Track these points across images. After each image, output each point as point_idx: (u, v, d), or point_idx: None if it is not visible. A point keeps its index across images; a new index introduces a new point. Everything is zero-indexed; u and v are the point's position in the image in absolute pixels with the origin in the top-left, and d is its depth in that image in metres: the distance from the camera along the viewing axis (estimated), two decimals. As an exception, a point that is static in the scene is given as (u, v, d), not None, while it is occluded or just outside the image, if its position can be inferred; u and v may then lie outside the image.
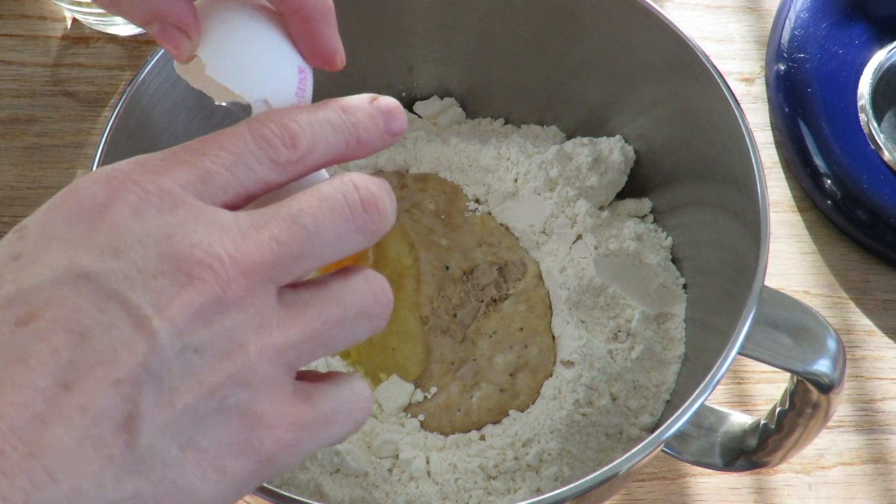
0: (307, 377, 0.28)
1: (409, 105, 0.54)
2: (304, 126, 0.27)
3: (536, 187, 0.49)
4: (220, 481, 0.24)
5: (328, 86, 0.35)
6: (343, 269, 0.28)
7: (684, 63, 0.44)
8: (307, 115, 0.28)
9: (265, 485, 0.34)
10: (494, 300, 0.47)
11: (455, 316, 0.47)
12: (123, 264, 0.24)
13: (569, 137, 0.52)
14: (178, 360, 0.24)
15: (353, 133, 0.28)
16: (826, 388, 0.38)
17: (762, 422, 0.43)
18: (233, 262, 0.25)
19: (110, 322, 0.23)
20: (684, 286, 0.48)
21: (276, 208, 0.26)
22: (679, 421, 0.35)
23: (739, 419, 0.45)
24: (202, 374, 0.24)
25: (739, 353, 0.36)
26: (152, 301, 0.23)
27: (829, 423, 0.48)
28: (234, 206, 0.26)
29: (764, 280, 0.38)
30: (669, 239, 0.49)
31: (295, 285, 0.27)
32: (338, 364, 0.45)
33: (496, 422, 0.44)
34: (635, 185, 0.51)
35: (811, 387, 0.38)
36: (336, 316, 0.27)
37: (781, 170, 0.59)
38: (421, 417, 0.44)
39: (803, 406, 0.40)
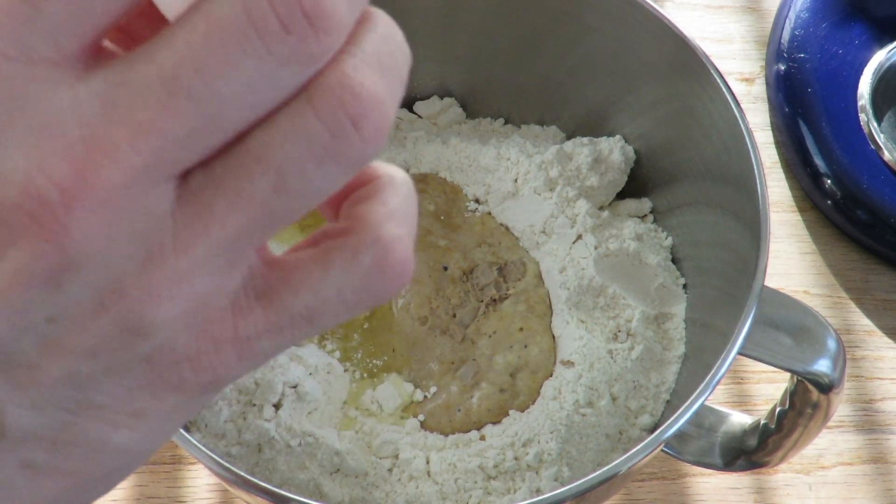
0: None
1: (409, 105, 0.54)
2: None
3: (536, 187, 0.49)
4: (140, 424, 0.19)
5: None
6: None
7: (684, 63, 0.44)
8: None
9: (265, 485, 0.34)
10: (494, 300, 0.47)
11: (454, 316, 0.47)
12: None
13: (569, 137, 0.52)
14: (27, 337, 0.18)
15: None
16: (826, 388, 0.38)
17: (762, 422, 0.43)
18: (68, 199, 0.16)
19: None
20: (684, 286, 0.48)
21: (141, 63, 0.17)
22: (679, 421, 0.35)
23: (739, 419, 0.45)
24: (67, 342, 0.18)
25: (739, 353, 0.36)
26: None
27: (829, 423, 0.48)
28: (98, 39, 0.17)
29: (764, 280, 0.38)
30: (669, 239, 0.49)
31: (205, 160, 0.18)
32: (326, 358, 0.45)
33: (496, 422, 0.44)
34: (635, 185, 0.51)
35: (811, 387, 0.38)
36: (266, 188, 0.18)
37: (781, 170, 0.59)
38: (421, 417, 0.44)
39: (803, 406, 0.40)
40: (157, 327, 0.18)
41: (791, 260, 0.56)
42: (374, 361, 0.46)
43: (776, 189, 0.59)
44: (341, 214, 0.20)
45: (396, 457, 0.43)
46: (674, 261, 0.49)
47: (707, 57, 0.43)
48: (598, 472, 0.34)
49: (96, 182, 0.16)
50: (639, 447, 0.34)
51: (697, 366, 0.44)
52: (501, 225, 0.50)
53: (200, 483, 0.48)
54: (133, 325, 0.18)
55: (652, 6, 0.45)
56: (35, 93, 0.16)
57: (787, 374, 0.39)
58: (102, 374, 0.18)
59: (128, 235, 0.17)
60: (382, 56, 0.18)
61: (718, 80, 0.42)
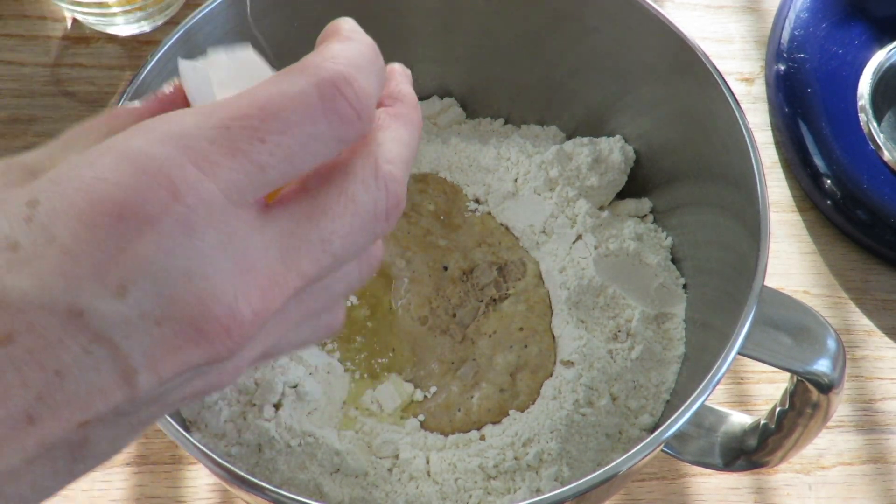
0: None
1: (409, 105, 0.54)
2: (372, 87, 0.23)
3: (536, 187, 0.49)
4: (133, 439, 0.24)
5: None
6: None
7: (684, 63, 0.44)
8: (365, 62, 0.24)
9: (265, 485, 0.34)
10: (494, 300, 0.47)
11: (455, 316, 0.47)
12: (126, 307, 0.21)
13: (569, 137, 0.52)
14: (156, 400, 0.23)
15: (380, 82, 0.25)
16: (826, 388, 0.38)
17: (762, 422, 0.43)
18: (254, 319, 0.22)
19: (93, 365, 0.21)
20: (684, 286, 0.48)
21: (307, 229, 0.23)
22: (679, 421, 0.35)
23: (739, 419, 0.45)
24: (166, 399, 0.23)
25: (739, 353, 0.36)
26: (146, 350, 0.21)
27: (829, 423, 0.48)
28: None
29: (764, 280, 0.38)
30: (669, 239, 0.49)
31: None
32: (326, 358, 0.45)
33: (496, 422, 0.44)
34: (635, 185, 0.51)
35: (811, 387, 0.38)
36: (318, 306, 0.26)
37: (781, 170, 0.59)
38: (421, 417, 0.44)
39: (803, 406, 0.40)
40: (214, 389, 0.24)
41: (791, 260, 0.57)
42: (376, 361, 0.46)
43: (776, 189, 0.59)
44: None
45: (396, 457, 0.43)
46: (674, 261, 0.49)
47: (707, 57, 0.43)
48: (598, 472, 0.34)
49: (269, 309, 0.22)
50: (639, 447, 0.34)
51: (697, 366, 0.44)
52: (501, 225, 0.50)
53: (200, 483, 0.48)
54: (207, 391, 0.24)
55: (652, 6, 0.45)
56: (240, 232, 0.22)
57: (787, 374, 0.39)
58: (160, 415, 0.23)
59: (253, 339, 0.23)
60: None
61: (718, 80, 0.42)
